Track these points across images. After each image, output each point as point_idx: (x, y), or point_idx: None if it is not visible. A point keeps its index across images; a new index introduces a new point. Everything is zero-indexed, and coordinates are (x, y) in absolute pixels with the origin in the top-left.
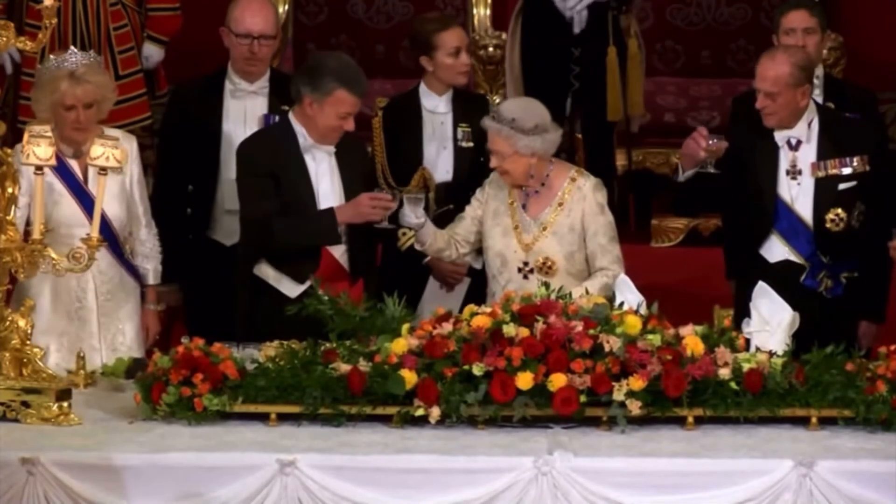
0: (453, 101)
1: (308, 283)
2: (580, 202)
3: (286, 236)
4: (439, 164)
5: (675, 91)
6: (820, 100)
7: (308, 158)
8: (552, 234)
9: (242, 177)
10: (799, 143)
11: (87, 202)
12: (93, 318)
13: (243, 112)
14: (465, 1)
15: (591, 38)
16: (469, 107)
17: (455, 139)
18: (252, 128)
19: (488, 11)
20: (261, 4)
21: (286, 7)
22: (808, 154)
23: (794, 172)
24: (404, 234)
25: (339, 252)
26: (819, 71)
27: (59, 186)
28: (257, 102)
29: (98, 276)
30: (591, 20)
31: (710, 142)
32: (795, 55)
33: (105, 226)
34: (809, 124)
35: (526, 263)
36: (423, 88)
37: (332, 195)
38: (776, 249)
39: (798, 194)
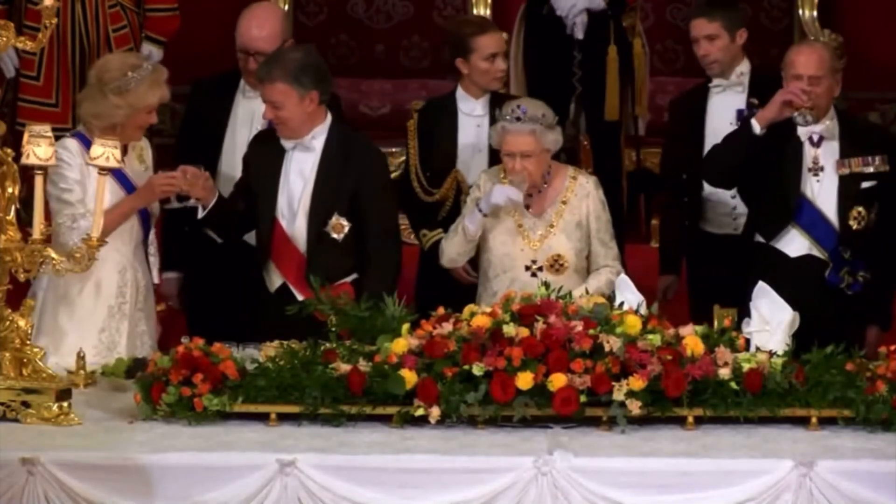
0: (491, 104)
1: (282, 279)
2: (584, 199)
3: None
4: (473, 166)
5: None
6: (744, 96)
7: (287, 156)
8: (561, 232)
9: None
10: (821, 139)
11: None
12: (130, 313)
13: (251, 112)
14: (465, 1)
15: (593, 41)
16: None
17: (490, 142)
18: (258, 128)
19: (488, 11)
20: (262, 20)
21: (286, 7)
22: (829, 151)
23: (815, 169)
24: (424, 234)
25: (302, 245)
26: (746, 66)
27: (109, 182)
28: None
29: (137, 272)
30: (593, 24)
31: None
32: (824, 42)
33: (147, 221)
34: (831, 121)
35: (534, 261)
36: (459, 91)
37: (296, 194)
38: (797, 244)
39: (820, 191)
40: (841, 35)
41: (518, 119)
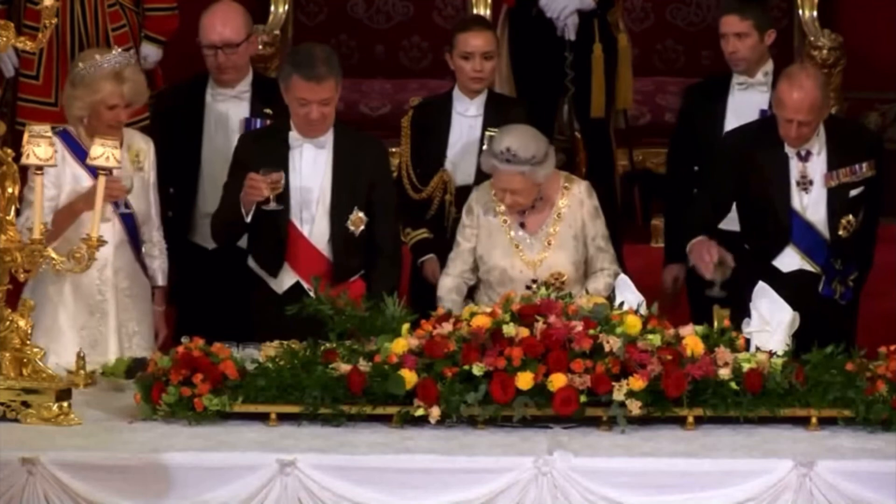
0: (486, 105)
1: (293, 280)
2: (578, 209)
3: (214, 224)
4: (462, 167)
5: (676, 91)
6: (767, 96)
7: (294, 154)
8: (558, 247)
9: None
10: (808, 153)
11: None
12: (112, 313)
13: (225, 116)
14: (465, 1)
15: (583, 41)
16: (503, 112)
17: (481, 144)
18: (233, 131)
19: (488, 11)
20: (224, 14)
21: (286, 7)
22: (816, 164)
23: (804, 183)
24: (407, 233)
25: (322, 244)
26: (770, 66)
27: (87, 180)
28: (239, 106)
29: (119, 272)
30: (582, 24)
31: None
32: (815, 75)
33: (131, 221)
34: (818, 134)
35: (535, 281)
36: (456, 91)
37: (314, 190)
38: (789, 260)
39: (808, 204)
40: (841, 35)
41: (508, 161)
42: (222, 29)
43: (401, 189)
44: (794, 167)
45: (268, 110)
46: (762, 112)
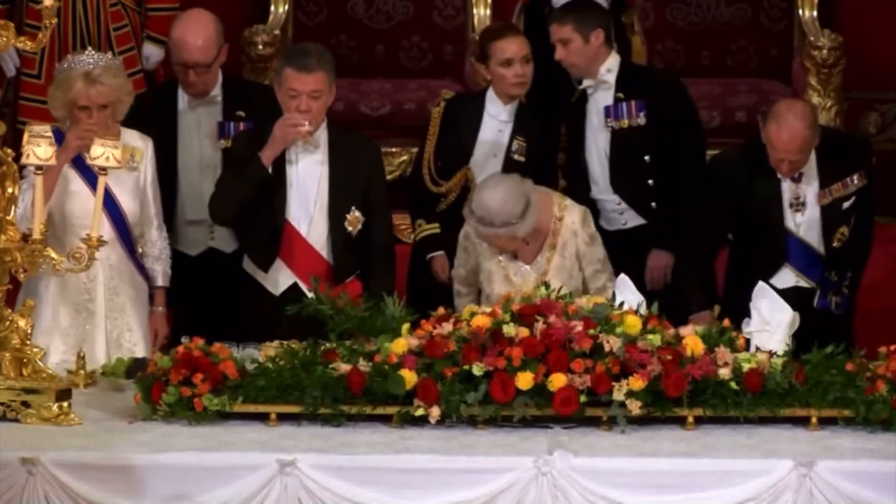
0: (517, 113)
1: (290, 281)
2: (572, 239)
3: (222, 189)
4: (486, 169)
5: None
6: (612, 92)
7: (290, 155)
8: (554, 277)
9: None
10: (801, 175)
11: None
12: (101, 312)
13: (198, 121)
14: (465, 1)
15: None
16: (528, 125)
17: (509, 149)
18: (208, 137)
19: (488, 11)
20: (196, 31)
21: (286, 7)
22: (810, 184)
23: (797, 205)
24: (419, 224)
25: (319, 245)
26: (612, 62)
27: (77, 181)
28: (212, 110)
29: (108, 271)
30: None
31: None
32: (802, 113)
33: (120, 220)
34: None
35: None
36: (490, 93)
37: (311, 191)
38: (785, 277)
39: (802, 223)
40: (841, 35)
41: (486, 225)
42: (193, 48)
43: (418, 179)
44: (787, 189)
45: (240, 112)
46: (605, 109)
